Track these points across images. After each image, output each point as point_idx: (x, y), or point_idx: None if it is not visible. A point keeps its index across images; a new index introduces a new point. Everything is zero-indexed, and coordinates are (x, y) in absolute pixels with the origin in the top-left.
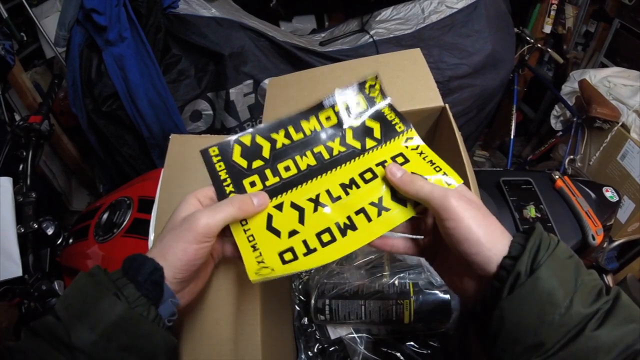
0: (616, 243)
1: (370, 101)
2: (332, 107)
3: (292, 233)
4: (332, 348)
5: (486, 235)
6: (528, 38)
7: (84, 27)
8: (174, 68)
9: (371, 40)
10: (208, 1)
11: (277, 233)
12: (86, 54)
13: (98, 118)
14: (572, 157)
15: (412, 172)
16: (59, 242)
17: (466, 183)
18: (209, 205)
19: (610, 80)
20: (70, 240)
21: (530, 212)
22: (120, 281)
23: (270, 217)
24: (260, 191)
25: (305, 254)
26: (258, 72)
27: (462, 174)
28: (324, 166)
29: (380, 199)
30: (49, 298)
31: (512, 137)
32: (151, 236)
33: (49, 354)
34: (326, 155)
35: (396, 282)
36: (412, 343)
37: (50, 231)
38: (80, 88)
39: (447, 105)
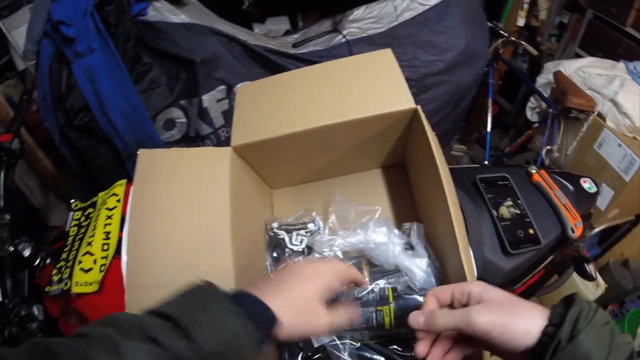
0: (597, 230)
1: None
2: None
3: None
4: (316, 356)
5: (519, 329)
6: (502, 32)
7: (52, 40)
8: (145, 77)
9: (344, 40)
10: (178, 7)
11: None
12: (56, 66)
13: (71, 132)
14: (549, 147)
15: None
16: (36, 263)
17: (440, 190)
18: None
19: (585, 71)
20: (48, 261)
21: (502, 210)
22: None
23: None
24: None
25: None
26: (231, 77)
27: (435, 176)
28: None
29: None
30: (29, 323)
31: (488, 130)
32: (124, 257)
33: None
34: None
35: (375, 288)
36: (395, 346)
37: (26, 253)
38: (51, 102)
39: (419, 107)
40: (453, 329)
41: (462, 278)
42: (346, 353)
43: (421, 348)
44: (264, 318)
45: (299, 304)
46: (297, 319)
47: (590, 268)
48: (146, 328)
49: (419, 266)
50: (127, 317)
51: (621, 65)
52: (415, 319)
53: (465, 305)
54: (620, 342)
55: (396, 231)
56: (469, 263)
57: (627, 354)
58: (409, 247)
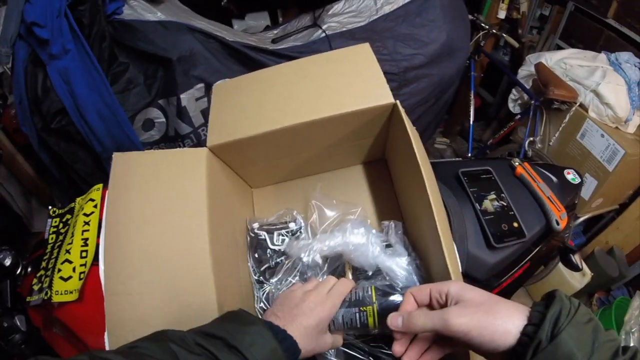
0: (581, 219)
1: None
2: None
3: None
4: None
5: (498, 329)
6: (483, 24)
7: (26, 42)
8: (122, 77)
9: (324, 35)
10: (154, 5)
11: None
12: (31, 69)
13: (48, 136)
14: (532, 138)
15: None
16: (18, 272)
17: (421, 185)
18: None
19: (567, 62)
20: (29, 269)
21: (486, 203)
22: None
23: None
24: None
25: None
26: (209, 75)
27: (416, 172)
28: None
29: None
30: (11, 335)
31: (471, 122)
32: (102, 265)
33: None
34: None
35: (358, 289)
36: (382, 344)
37: (7, 262)
38: (28, 106)
39: (398, 102)
40: (431, 331)
41: (446, 275)
42: (333, 352)
43: (397, 347)
44: (290, 345)
45: (312, 332)
46: (312, 345)
47: (576, 258)
48: (203, 344)
49: (399, 265)
50: (180, 334)
51: (602, 56)
52: (394, 320)
53: (444, 305)
54: (604, 339)
55: (374, 231)
56: (453, 259)
57: (611, 352)
58: (389, 245)
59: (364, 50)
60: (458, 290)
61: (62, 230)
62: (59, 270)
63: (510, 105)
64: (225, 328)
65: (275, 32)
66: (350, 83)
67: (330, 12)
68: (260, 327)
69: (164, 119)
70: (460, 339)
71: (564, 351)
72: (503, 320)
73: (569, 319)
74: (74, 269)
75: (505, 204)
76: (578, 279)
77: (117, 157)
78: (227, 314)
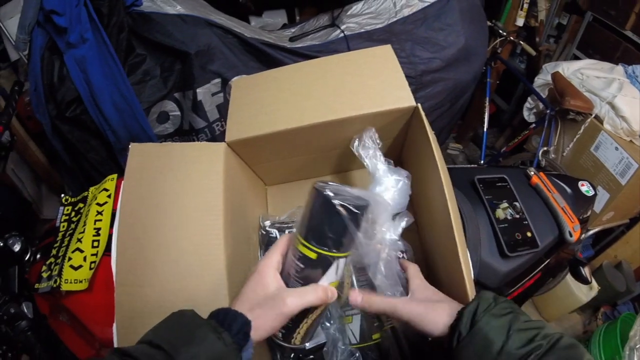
0: (591, 232)
1: None
2: None
3: None
4: (309, 357)
5: (432, 322)
6: (500, 31)
7: (44, 30)
8: (139, 68)
9: (342, 35)
10: None
11: None
12: (47, 57)
13: (62, 124)
14: (545, 148)
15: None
16: (26, 258)
17: (440, 191)
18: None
19: (583, 72)
20: (38, 256)
21: (500, 211)
22: (218, 327)
23: None
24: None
25: None
26: (226, 70)
27: (435, 176)
28: None
29: None
30: (18, 321)
31: (485, 129)
32: (114, 256)
33: None
34: None
35: None
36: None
37: (16, 248)
38: (43, 93)
39: (419, 105)
40: (383, 313)
41: (460, 281)
42: (338, 353)
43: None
44: (237, 322)
45: (253, 297)
46: (260, 310)
47: (586, 271)
48: (130, 353)
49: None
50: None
51: (620, 68)
52: (354, 297)
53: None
54: (520, 327)
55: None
56: (467, 266)
57: (527, 337)
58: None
59: (385, 52)
60: (410, 276)
61: (74, 219)
62: (70, 259)
63: (525, 113)
64: (156, 333)
65: (292, 30)
66: (370, 84)
67: (349, 13)
68: (198, 321)
69: (179, 113)
70: (405, 324)
71: (481, 337)
72: (436, 318)
73: (487, 312)
74: (84, 258)
75: (519, 212)
76: (585, 292)
77: (134, 147)
78: (172, 315)
